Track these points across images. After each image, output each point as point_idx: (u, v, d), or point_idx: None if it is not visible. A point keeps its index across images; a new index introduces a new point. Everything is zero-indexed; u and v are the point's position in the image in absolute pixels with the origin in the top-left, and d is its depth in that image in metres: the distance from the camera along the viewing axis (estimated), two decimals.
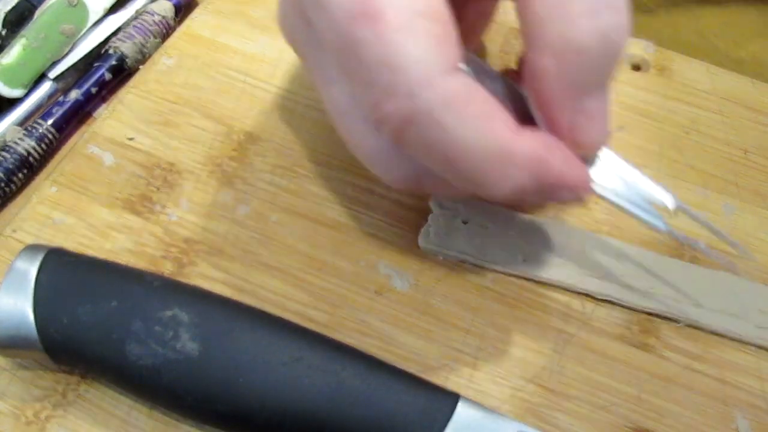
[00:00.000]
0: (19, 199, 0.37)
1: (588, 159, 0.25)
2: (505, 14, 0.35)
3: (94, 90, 0.40)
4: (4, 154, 0.37)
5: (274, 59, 0.38)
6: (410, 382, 0.27)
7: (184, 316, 0.26)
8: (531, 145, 0.23)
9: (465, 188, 0.24)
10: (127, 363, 0.26)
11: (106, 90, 0.41)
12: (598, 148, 0.24)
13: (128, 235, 0.32)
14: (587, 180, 0.24)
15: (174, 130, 0.35)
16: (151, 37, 0.41)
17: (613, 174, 0.26)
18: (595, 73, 0.23)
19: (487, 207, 0.33)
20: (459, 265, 0.32)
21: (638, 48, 0.40)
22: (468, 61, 0.24)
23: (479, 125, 0.22)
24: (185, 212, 0.33)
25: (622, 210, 0.26)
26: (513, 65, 0.27)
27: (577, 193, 0.24)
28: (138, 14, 0.42)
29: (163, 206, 0.33)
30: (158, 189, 0.33)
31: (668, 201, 0.26)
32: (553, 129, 0.24)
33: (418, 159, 0.24)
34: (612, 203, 0.26)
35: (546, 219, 0.33)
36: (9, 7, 0.40)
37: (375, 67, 0.22)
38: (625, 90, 0.38)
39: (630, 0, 0.23)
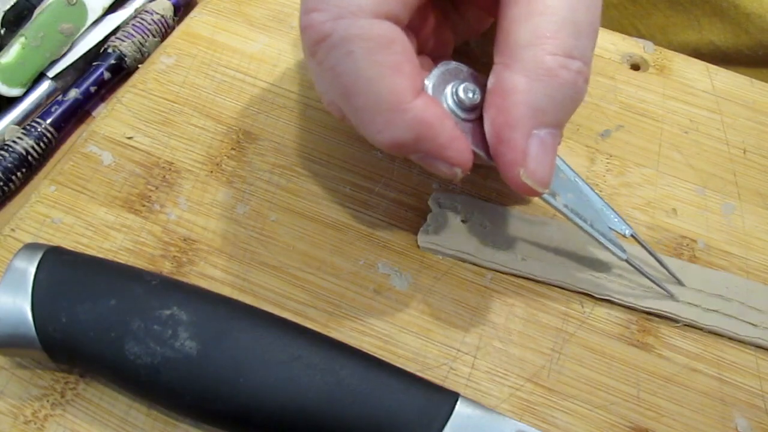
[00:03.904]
0: (18, 198, 0.37)
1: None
2: None
3: (93, 89, 0.40)
4: (2, 153, 0.37)
5: (273, 58, 0.38)
6: (409, 381, 0.27)
7: (182, 315, 0.26)
8: (424, 110, 0.24)
9: (354, 125, 0.26)
10: (126, 362, 0.26)
11: (105, 89, 0.41)
12: (542, 184, 0.25)
13: (127, 234, 0.32)
14: (466, 162, 0.26)
15: (173, 129, 0.35)
16: (150, 36, 0.41)
17: (577, 197, 0.29)
18: (557, 105, 0.25)
19: (487, 206, 0.33)
20: (458, 264, 0.32)
21: (637, 47, 0.40)
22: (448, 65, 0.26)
23: (384, 71, 0.23)
24: (184, 211, 0.33)
25: (587, 234, 0.29)
26: None
27: (453, 170, 0.26)
28: (137, 13, 0.42)
29: (162, 205, 0.33)
30: (157, 188, 0.33)
31: (624, 229, 0.30)
32: (506, 150, 0.25)
33: (324, 80, 0.25)
34: (577, 226, 0.28)
35: (545, 218, 0.33)
36: (8, 6, 0.40)
37: None
38: (624, 89, 0.38)
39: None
